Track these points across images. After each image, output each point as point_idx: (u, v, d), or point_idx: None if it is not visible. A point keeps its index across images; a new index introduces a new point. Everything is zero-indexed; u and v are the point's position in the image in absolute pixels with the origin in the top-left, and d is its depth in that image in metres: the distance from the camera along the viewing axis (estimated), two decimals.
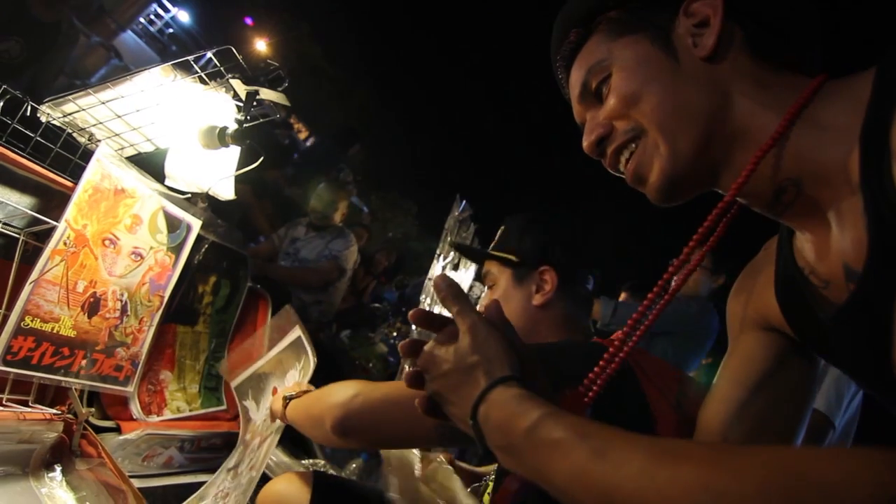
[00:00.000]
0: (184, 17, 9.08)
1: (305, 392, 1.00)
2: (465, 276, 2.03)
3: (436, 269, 2.03)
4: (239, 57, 0.93)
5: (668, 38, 0.53)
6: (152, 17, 8.52)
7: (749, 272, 0.65)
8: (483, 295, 1.16)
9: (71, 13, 2.49)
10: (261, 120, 1.07)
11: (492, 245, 1.10)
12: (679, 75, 0.51)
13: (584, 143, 0.58)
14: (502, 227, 1.09)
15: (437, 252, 1.88)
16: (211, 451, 1.28)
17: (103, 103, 0.94)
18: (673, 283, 0.57)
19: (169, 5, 8.61)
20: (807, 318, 0.53)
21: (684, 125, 0.51)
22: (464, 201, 1.89)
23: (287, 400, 0.99)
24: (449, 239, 1.85)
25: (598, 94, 0.57)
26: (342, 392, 0.81)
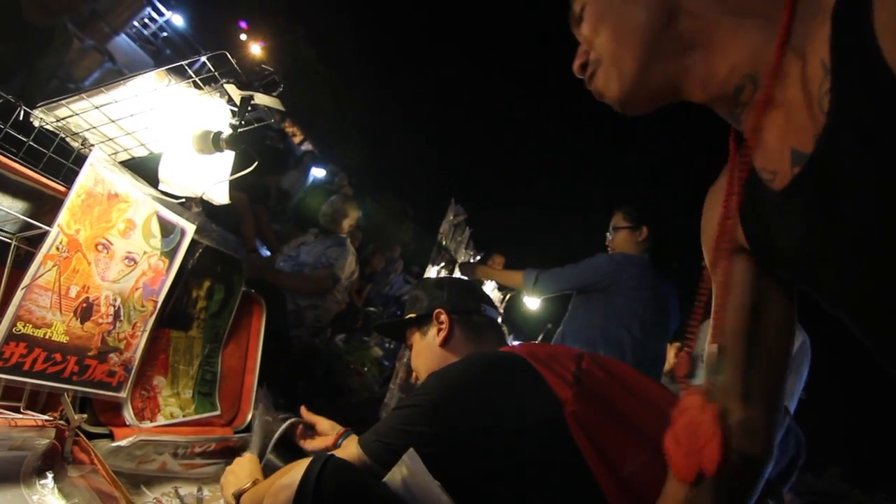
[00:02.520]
0: (178, 20, 9.05)
1: (255, 483, 0.99)
2: None
3: (430, 273, 2.04)
4: (233, 62, 0.93)
5: None
6: (146, 20, 8.50)
7: (712, 193, 0.67)
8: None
9: (65, 17, 2.47)
10: (256, 125, 1.07)
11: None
12: (627, 2, 0.55)
13: (573, 67, 0.64)
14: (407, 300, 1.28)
15: (432, 256, 1.89)
16: (205, 456, 1.28)
17: (97, 108, 0.94)
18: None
19: (163, 9, 8.58)
20: (757, 217, 0.55)
21: (630, 45, 0.55)
22: (458, 205, 1.90)
23: (237, 497, 0.97)
24: (444, 242, 1.86)
25: (581, 18, 0.62)
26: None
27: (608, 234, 2.23)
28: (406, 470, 0.70)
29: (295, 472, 0.73)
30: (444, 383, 0.84)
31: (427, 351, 1.14)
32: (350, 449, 0.83)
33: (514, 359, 0.87)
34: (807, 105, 0.44)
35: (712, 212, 0.64)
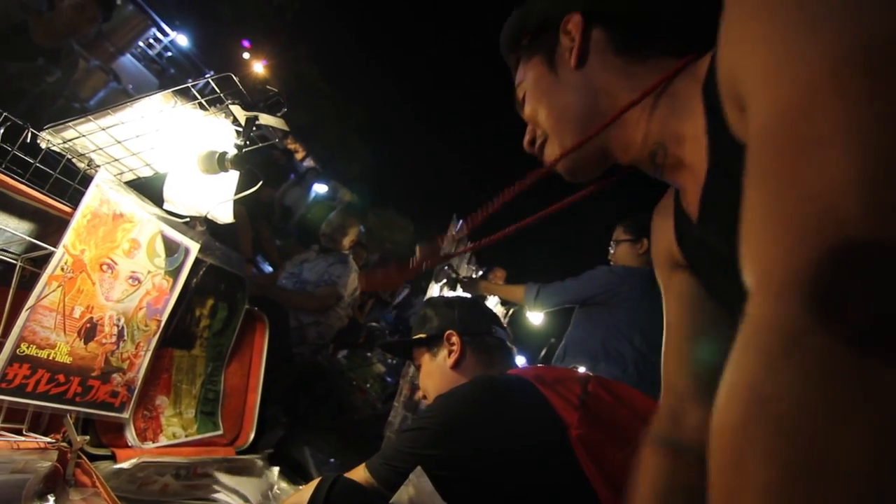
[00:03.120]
0: (182, 40, 9.19)
1: None
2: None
3: (433, 290, 2.04)
4: (238, 83, 0.94)
5: (553, 56, 0.65)
6: (151, 40, 8.62)
7: (659, 214, 0.74)
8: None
9: (71, 39, 2.52)
10: (260, 144, 1.08)
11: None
12: (561, 87, 0.64)
13: (523, 143, 0.73)
14: (415, 318, 1.28)
15: (435, 272, 1.88)
16: (207, 478, 1.26)
17: (103, 129, 0.95)
18: None
19: (167, 29, 8.71)
20: (687, 242, 0.64)
21: (568, 126, 0.64)
22: (461, 221, 1.90)
23: None
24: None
25: (525, 103, 0.71)
26: None
27: (610, 247, 2.23)
28: (413, 489, 0.69)
29: (303, 494, 0.73)
30: (449, 406, 0.84)
31: (437, 372, 1.12)
32: (358, 472, 0.82)
33: (521, 382, 0.86)
34: (700, 167, 0.52)
35: (661, 232, 0.72)
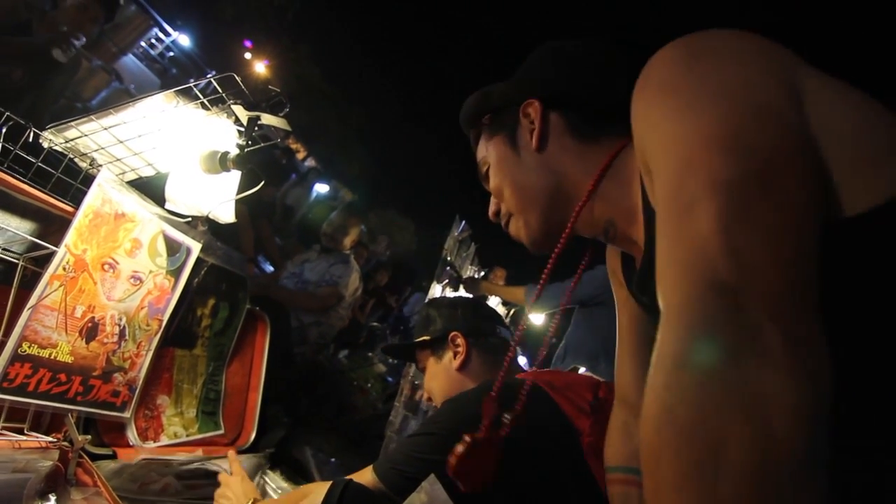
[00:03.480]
0: (184, 40, 9.20)
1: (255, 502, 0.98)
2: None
3: (435, 290, 2.04)
4: (240, 83, 0.94)
5: (515, 138, 0.68)
6: (153, 41, 8.63)
7: (611, 251, 0.80)
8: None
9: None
10: (262, 144, 1.08)
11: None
12: (523, 168, 0.67)
13: (489, 213, 0.76)
14: (417, 320, 1.28)
15: (437, 273, 1.88)
16: (209, 477, 1.26)
17: (106, 129, 0.95)
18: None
19: (169, 29, 8.72)
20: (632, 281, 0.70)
21: (531, 205, 0.67)
22: (463, 221, 1.90)
23: None
24: (449, 258, 1.86)
25: (487, 177, 0.74)
26: None
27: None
28: (426, 496, 0.69)
29: (314, 498, 0.72)
30: (458, 411, 0.82)
31: (443, 374, 1.11)
32: (366, 476, 0.81)
33: (532, 388, 0.84)
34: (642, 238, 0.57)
35: (612, 255, 0.78)
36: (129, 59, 7.54)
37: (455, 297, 1.27)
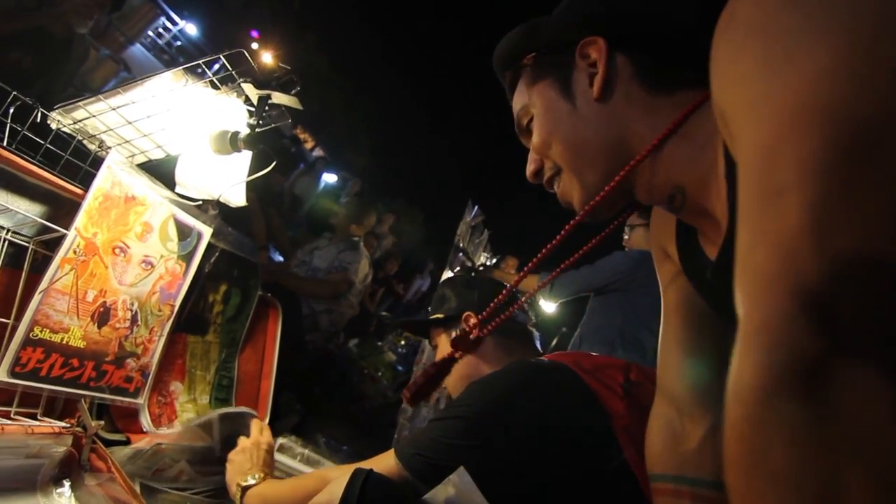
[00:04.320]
0: (191, 29, 9.15)
1: (263, 479, 0.96)
2: None
3: (447, 275, 2.01)
4: (251, 60, 0.91)
5: (569, 82, 0.58)
6: (160, 30, 8.60)
7: (659, 219, 0.71)
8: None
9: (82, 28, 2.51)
10: (273, 125, 1.05)
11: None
12: (579, 117, 0.57)
13: (526, 173, 0.66)
14: (433, 297, 1.24)
15: (449, 259, 1.86)
16: (222, 463, 1.25)
17: (114, 109, 0.93)
18: None
19: (177, 18, 8.69)
20: (692, 265, 0.61)
21: (589, 162, 0.57)
22: (476, 207, 1.87)
23: (242, 489, 0.94)
24: (462, 244, 1.83)
25: (528, 130, 0.64)
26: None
27: (624, 233, 2.18)
28: (453, 489, 0.66)
29: (333, 488, 0.70)
30: (487, 394, 0.78)
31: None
32: (387, 461, 0.77)
33: (561, 368, 0.81)
34: (722, 208, 0.49)
35: (661, 230, 0.69)
36: (137, 49, 7.52)
37: (472, 277, 1.21)
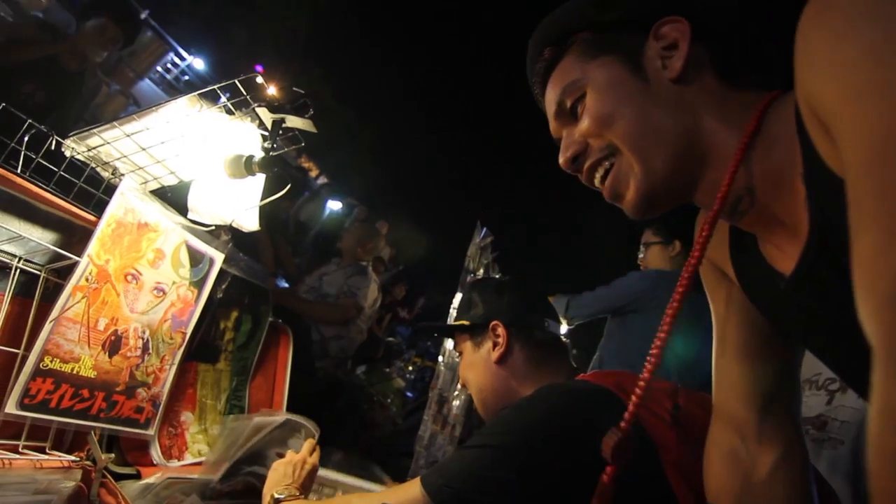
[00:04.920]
0: (199, 64, 9.38)
1: (297, 497, 0.92)
2: None
3: (459, 298, 1.98)
4: (265, 85, 0.91)
5: (639, 61, 0.54)
6: (168, 65, 8.81)
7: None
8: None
9: (94, 64, 2.57)
10: (286, 149, 1.05)
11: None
12: (650, 97, 0.53)
13: (561, 159, 0.60)
14: (459, 299, 1.15)
15: (461, 279, 1.83)
16: (233, 497, 1.21)
17: (128, 136, 0.93)
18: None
19: (185, 54, 8.91)
20: (749, 276, 0.58)
21: (657, 145, 0.52)
22: (484, 228, 1.86)
23: (274, 500, 0.90)
24: (472, 265, 1.81)
25: (573, 112, 0.58)
26: None
27: (639, 252, 2.16)
28: None
29: None
30: (524, 422, 0.72)
31: (481, 365, 1.01)
32: (413, 491, 0.71)
33: (603, 394, 0.75)
34: (799, 214, 0.45)
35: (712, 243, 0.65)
36: (146, 84, 7.70)
37: (503, 280, 1.11)
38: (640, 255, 2.13)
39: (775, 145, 0.47)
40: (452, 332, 1.14)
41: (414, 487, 0.72)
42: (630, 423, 0.51)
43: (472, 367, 1.04)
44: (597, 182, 0.58)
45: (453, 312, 1.86)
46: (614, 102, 0.54)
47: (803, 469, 0.61)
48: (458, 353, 1.11)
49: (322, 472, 1.25)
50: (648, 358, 0.52)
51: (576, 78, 0.57)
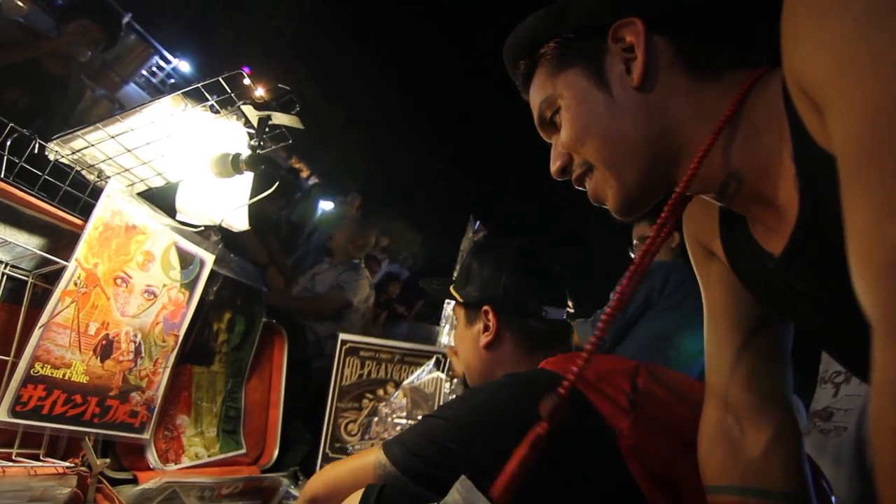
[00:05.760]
0: (185, 67, 9.29)
1: None
2: None
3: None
4: (250, 82, 0.91)
5: (602, 69, 0.53)
6: (154, 69, 8.73)
7: (695, 215, 0.66)
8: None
9: (78, 68, 2.54)
10: (273, 147, 1.04)
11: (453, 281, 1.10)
12: (616, 110, 0.52)
13: (551, 170, 0.61)
14: (459, 264, 1.11)
15: (454, 276, 1.83)
16: (232, 499, 1.21)
17: (113, 137, 0.91)
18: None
19: (170, 57, 8.83)
20: (739, 255, 0.57)
21: (627, 158, 0.52)
22: (478, 221, 1.86)
23: None
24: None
25: (553, 123, 0.59)
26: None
27: (633, 247, 2.14)
28: (460, 498, 0.62)
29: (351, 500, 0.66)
30: (477, 407, 0.73)
31: (470, 344, 0.98)
32: (371, 455, 0.73)
33: (557, 382, 0.75)
34: (790, 196, 0.45)
35: (700, 222, 0.64)
36: (132, 88, 7.63)
37: (505, 251, 1.01)
38: (637, 248, 2.12)
39: (762, 126, 0.46)
40: (445, 294, 1.11)
41: (373, 451, 0.74)
42: (568, 389, 0.52)
43: (462, 340, 1.02)
44: (584, 188, 0.60)
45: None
46: (584, 120, 0.54)
47: (797, 448, 0.61)
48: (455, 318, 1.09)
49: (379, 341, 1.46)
50: (595, 331, 0.52)
51: (549, 93, 0.58)
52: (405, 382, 1.46)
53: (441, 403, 1.44)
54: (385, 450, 0.73)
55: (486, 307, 0.96)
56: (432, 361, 1.51)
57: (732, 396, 0.62)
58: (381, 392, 1.46)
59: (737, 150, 0.48)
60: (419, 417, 1.40)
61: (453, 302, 1.16)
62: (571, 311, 1.06)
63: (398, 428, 1.41)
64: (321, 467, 1.25)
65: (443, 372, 1.47)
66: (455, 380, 1.43)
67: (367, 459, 0.74)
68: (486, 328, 0.96)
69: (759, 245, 0.52)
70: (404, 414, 1.41)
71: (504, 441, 0.67)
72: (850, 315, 0.31)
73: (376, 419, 1.45)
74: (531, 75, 0.60)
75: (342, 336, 1.57)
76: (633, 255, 2.16)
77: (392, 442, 0.74)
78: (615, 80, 0.52)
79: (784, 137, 0.43)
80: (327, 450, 1.44)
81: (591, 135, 0.54)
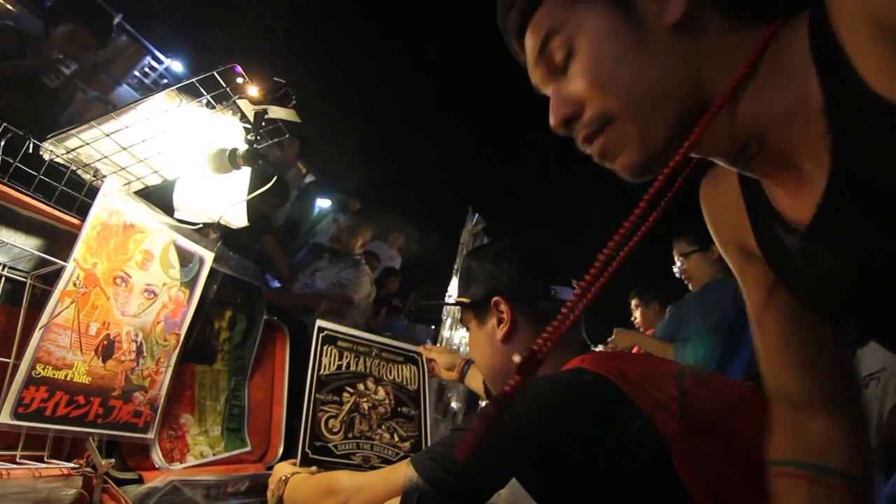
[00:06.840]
0: (177, 66, 9.22)
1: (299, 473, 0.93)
2: None
3: (453, 287, 1.98)
4: (245, 76, 0.90)
5: (633, 3, 0.47)
6: (146, 69, 8.66)
7: (713, 189, 0.61)
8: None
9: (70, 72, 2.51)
10: (270, 141, 1.03)
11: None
12: (647, 50, 0.46)
13: (552, 122, 0.53)
14: (460, 272, 1.09)
15: (455, 268, 1.83)
16: (238, 496, 1.20)
17: (107, 135, 0.90)
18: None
19: (162, 57, 8.76)
20: (771, 241, 0.52)
21: (658, 110, 0.46)
22: (476, 214, 1.85)
23: (284, 480, 0.92)
24: (465, 252, 1.80)
25: (560, 65, 0.51)
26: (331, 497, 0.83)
27: (678, 263, 2.06)
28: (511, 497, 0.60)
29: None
30: (515, 416, 0.66)
31: (487, 343, 0.95)
32: (402, 470, 0.71)
33: (601, 385, 0.69)
34: (819, 156, 0.40)
35: (725, 212, 0.59)
36: (124, 89, 7.57)
37: (501, 245, 1.00)
38: (680, 266, 2.04)
39: (787, 82, 0.42)
40: (447, 306, 1.12)
41: (403, 468, 0.73)
42: (543, 346, 0.49)
43: (477, 345, 0.98)
44: (588, 148, 0.53)
45: (449, 299, 1.86)
46: (610, 61, 0.47)
47: (863, 434, 0.58)
48: (466, 328, 1.04)
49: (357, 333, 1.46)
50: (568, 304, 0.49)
51: (559, 24, 0.50)
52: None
53: (426, 402, 1.44)
54: (419, 468, 0.71)
55: (495, 298, 0.93)
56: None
57: (795, 395, 0.59)
58: (361, 387, 1.42)
59: (762, 108, 0.43)
60: (405, 414, 1.40)
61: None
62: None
63: (383, 426, 1.38)
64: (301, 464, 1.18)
65: (420, 370, 1.48)
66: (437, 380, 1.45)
67: (401, 475, 0.73)
68: (500, 321, 0.93)
69: (783, 219, 0.48)
70: (388, 412, 1.41)
71: (556, 455, 0.64)
72: (888, 282, 0.27)
73: (358, 416, 1.40)
74: (533, 8, 0.52)
75: (319, 323, 1.47)
76: (682, 271, 2.08)
77: (423, 459, 0.72)
78: (647, 15, 0.47)
79: (811, 91, 0.39)
80: (307, 449, 1.24)
81: (618, 79, 0.47)
